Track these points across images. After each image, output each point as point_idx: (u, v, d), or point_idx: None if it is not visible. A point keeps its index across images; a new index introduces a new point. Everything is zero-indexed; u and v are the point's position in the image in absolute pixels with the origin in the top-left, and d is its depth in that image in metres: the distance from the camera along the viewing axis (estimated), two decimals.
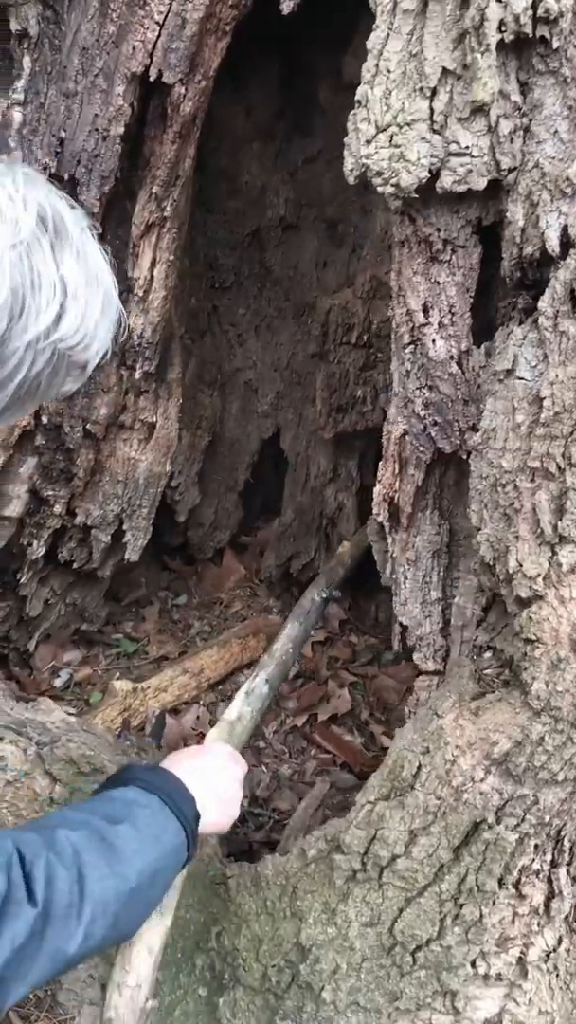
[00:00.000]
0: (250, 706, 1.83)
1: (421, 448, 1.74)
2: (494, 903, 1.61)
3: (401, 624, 1.98)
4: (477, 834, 1.58)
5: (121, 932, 1.16)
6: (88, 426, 2.17)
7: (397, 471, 1.90)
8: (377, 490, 1.96)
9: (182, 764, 1.32)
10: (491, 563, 1.64)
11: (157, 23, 1.73)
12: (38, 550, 2.30)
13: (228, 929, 1.74)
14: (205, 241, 2.45)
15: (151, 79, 1.69)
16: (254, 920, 1.73)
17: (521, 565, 1.56)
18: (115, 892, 1.08)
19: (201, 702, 2.52)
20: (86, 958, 1.11)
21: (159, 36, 1.72)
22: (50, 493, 2.24)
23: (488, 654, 1.77)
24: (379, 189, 1.48)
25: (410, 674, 2.72)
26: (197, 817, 1.25)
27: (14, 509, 2.22)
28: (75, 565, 2.39)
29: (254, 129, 2.40)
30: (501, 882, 1.59)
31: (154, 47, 1.66)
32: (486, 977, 1.66)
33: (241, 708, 1.81)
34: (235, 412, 2.67)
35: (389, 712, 2.57)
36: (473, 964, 1.64)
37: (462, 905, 1.61)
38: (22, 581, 2.32)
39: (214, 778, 1.34)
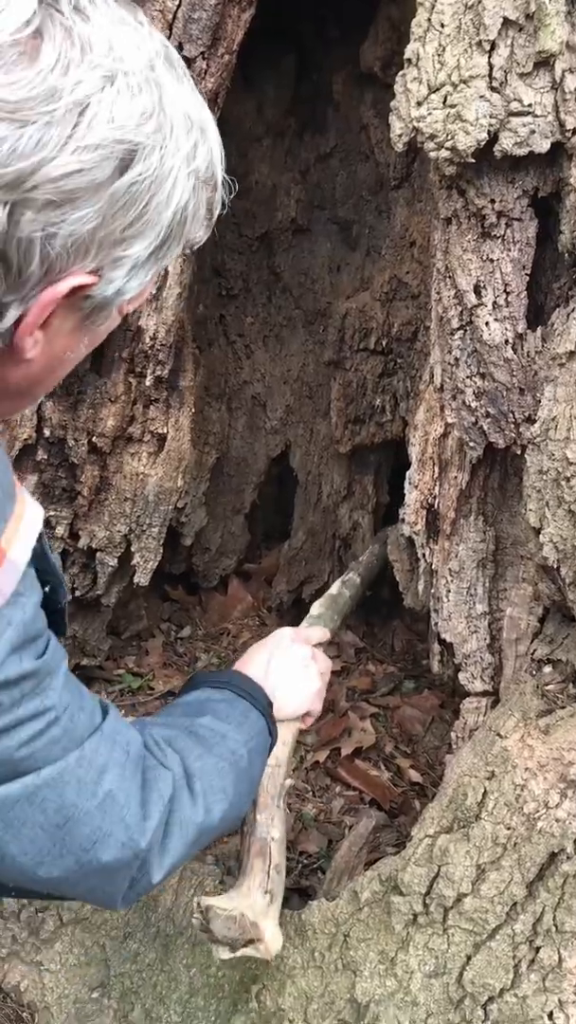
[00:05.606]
0: (347, 590, 2.03)
1: (472, 443, 1.60)
2: (572, 944, 1.45)
3: (443, 642, 1.83)
4: (554, 866, 1.43)
5: (236, 808, 1.17)
6: (94, 439, 2.01)
7: (437, 475, 1.76)
8: (413, 497, 1.82)
9: (251, 660, 1.39)
10: (555, 565, 1.50)
11: None
12: None
13: (270, 986, 1.58)
14: (211, 245, 2.32)
15: None
16: (300, 975, 1.56)
17: None
18: (215, 770, 1.11)
19: None
20: (215, 834, 1.14)
21: (179, 5, 1.59)
22: (52, 514, 2.08)
23: (548, 668, 1.63)
24: (432, 154, 1.35)
25: (434, 703, 2.57)
26: (270, 704, 1.30)
27: None
28: (77, 593, 2.21)
29: (264, 126, 2.29)
30: None
31: (174, 17, 1.53)
32: None
33: (340, 588, 2.03)
34: (242, 429, 2.51)
35: (415, 744, 2.41)
36: (551, 1016, 1.47)
37: (538, 948, 1.45)
38: None
39: (280, 662, 1.39)
